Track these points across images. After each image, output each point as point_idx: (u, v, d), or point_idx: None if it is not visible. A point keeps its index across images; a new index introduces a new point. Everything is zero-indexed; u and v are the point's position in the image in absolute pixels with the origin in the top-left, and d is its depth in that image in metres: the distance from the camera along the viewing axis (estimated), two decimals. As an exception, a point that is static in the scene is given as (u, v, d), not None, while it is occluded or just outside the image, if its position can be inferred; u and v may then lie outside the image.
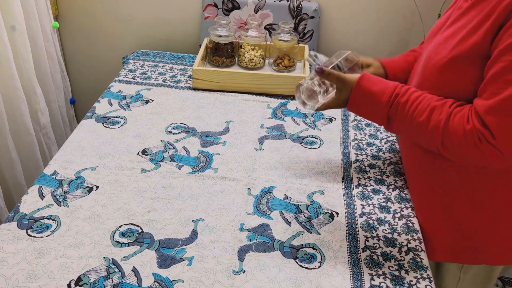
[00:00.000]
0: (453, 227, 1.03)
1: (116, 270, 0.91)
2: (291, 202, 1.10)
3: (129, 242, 0.97)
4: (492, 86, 0.82)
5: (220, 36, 1.56)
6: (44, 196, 1.07)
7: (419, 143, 0.96)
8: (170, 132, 1.33)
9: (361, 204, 1.11)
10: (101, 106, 1.42)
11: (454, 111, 0.87)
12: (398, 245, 1.00)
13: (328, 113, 1.45)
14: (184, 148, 1.26)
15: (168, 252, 0.95)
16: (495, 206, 0.98)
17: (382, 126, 0.98)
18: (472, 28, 0.86)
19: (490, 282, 1.13)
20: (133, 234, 0.99)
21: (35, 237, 0.96)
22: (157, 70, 1.66)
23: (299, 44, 1.65)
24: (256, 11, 1.76)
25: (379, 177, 1.20)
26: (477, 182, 0.97)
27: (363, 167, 1.23)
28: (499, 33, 0.81)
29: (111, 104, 1.44)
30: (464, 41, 0.87)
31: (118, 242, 0.97)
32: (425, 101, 0.90)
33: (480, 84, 0.86)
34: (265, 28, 1.77)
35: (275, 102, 1.50)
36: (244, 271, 0.92)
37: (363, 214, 1.08)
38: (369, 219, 1.06)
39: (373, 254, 0.98)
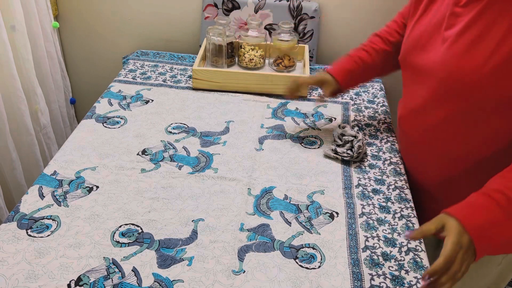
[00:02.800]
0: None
1: (116, 270, 0.91)
2: (291, 202, 1.10)
3: (129, 242, 0.97)
4: None
5: (220, 36, 1.56)
6: (44, 196, 1.07)
7: None
8: (170, 132, 1.33)
9: (361, 204, 1.11)
10: (101, 106, 1.42)
11: None
12: (398, 245, 1.00)
13: (328, 113, 1.45)
14: (184, 148, 1.26)
15: (168, 252, 0.95)
16: None
17: None
18: (507, 30, 0.84)
19: None
20: (133, 234, 0.99)
21: (35, 237, 0.96)
22: (157, 70, 1.66)
23: (299, 44, 1.65)
24: (256, 11, 1.76)
25: (379, 177, 1.20)
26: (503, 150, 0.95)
27: (363, 167, 1.23)
28: None
29: (111, 104, 1.44)
30: (502, 45, 0.85)
31: (118, 242, 0.97)
32: None
33: None
34: (265, 28, 1.77)
35: (275, 102, 1.50)
36: (244, 271, 0.92)
37: (363, 214, 1.08)
38: (369, 219, 1.06)
39: (373, 254, 0.98)
